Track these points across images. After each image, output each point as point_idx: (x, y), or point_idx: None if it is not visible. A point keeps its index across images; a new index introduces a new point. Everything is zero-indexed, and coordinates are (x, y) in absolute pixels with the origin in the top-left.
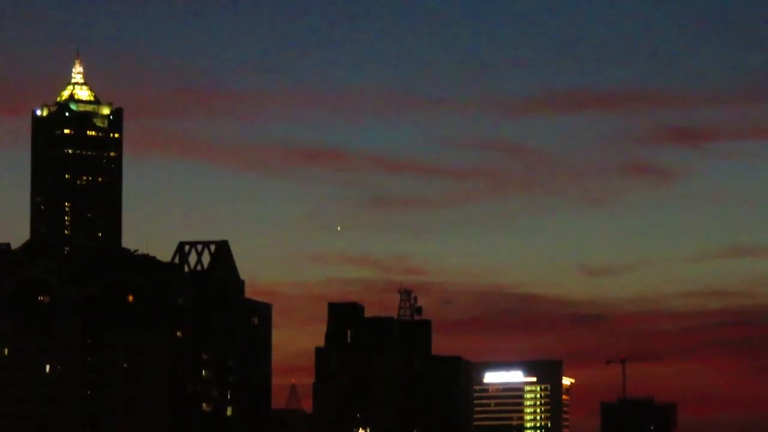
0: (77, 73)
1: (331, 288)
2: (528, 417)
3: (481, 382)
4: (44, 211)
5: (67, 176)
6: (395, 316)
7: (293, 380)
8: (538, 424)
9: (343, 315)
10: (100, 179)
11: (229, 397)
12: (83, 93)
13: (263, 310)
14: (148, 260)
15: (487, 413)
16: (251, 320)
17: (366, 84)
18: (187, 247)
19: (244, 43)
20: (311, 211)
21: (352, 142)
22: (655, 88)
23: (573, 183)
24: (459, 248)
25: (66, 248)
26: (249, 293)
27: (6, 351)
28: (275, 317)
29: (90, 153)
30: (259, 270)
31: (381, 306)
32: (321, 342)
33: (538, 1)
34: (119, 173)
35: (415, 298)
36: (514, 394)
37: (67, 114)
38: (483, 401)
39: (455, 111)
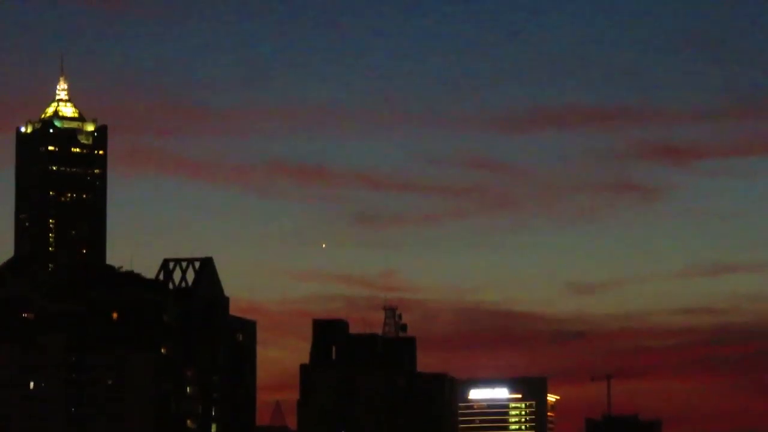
0: (61, 89)
1: (315, 305)
2: None
3: (465, 399)
4: (28, 228)
5: (51, 193)
6: (380, 333)
7: (278, 397)
8: None
9: (327, 332)
10: (84, 196)
11: (213, 413)
12: (68, 110)
13: (248, 327)
14: (132, 277)
15: (471, 430)
16: (236, 337)
17: (350, 101)
18: (171, 264)
19: (228, 60)
20: (296, 228)
21: (337, 159)
22: (639, 106)
23: (557, 200)
24: (444, 265)
25: (50, 265)
26: (233, 310)
27: None
28: (260, 334)
29: (74, 170)
30: (243, 287)
31: (366, 323)
32: (306, 359)
33: (523, 18)
34: (104, 190)
35: (400, 315)
36: (499, 411)
37: (51, 131)
38: (468, 418)
39: (440, 128)
